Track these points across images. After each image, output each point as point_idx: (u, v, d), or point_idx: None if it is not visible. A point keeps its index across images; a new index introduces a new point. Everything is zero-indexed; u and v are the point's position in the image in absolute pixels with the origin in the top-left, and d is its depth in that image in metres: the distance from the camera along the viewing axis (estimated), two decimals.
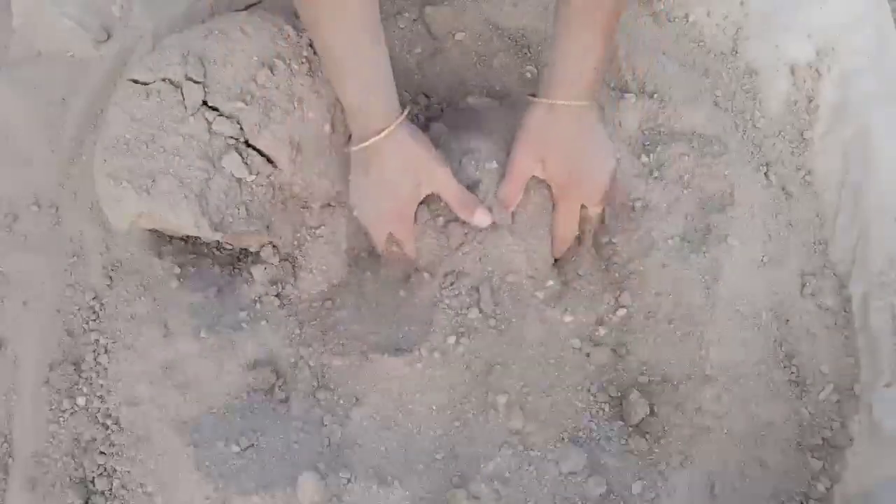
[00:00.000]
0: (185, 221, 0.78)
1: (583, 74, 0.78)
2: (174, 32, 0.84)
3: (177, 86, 0.80)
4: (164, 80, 0.80)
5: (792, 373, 0.84)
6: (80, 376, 0.82)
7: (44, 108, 0.91)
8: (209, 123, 0.79)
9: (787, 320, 0.85)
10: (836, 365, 0.84)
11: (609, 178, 0.84)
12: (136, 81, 0.81)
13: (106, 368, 0.82)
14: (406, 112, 0.80)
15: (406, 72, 0.97)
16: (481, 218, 0.81)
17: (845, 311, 0.86)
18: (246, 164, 0.80)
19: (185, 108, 0.79)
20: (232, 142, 0.80)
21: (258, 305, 0.85)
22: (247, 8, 0.94)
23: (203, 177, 0.78)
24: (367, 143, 0.78)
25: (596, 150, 0.83)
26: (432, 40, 0.99)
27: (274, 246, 0.87)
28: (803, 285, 0.87)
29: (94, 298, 0.85)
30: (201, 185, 0.78)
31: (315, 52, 0.84)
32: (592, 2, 0.74)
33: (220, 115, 0.80)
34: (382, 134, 0.78)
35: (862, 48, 0.92)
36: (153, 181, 0.78)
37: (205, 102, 0.80)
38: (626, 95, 0.92)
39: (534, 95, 0.81)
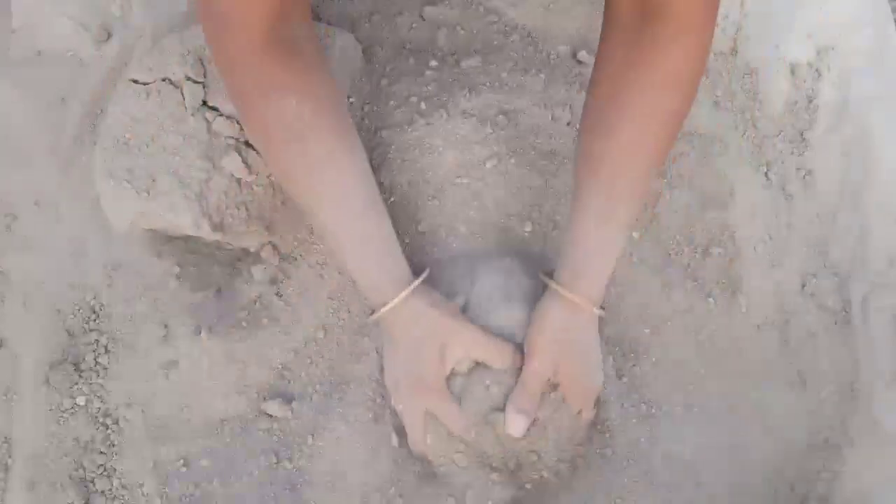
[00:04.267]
0: (184, 221, 0.78)
1: (603, 272, 0.73)
2: (174, 32, 0.84)
3: (177, 86, 0.80)
4: (164, 80, 0.80)
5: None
6: (79, 376, 0.82)
7: (44, 107, 0.91)
8: (209, 123, 0.80)
9: (788, 320, 0.85)
10: (836, 364, 0.84)
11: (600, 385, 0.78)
12: (136, 81, 0.81)
13: (106, 368, 0.82)
14: (420, 279, 0.73)
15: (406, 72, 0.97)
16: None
17: (845, 310, 0.86)
18: (246, 164, 0.80)
19: (185, 108, 0.79)
20: (232, 142, 0.80)
21: (258, 305, 0.85)
22: None
23: (203, 177, 0.79)
24: (379, 315, 0.73)
25: (596, 356, 0.77)
26: (432, 40, 0.99)
27: (274, 246, 0.87)
28: (803, 285, 0.87)
29: (93, 298, 0.85)
30: (201, 185, 0.78)
31: None
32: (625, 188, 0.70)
33: (220, 115, 0.80)
34: (392, 303, 0.72)
35: (862, 48, 0.92)
36: (153, 181, 0.78)
37: (204, 102, 0.80)
38: None
39: (548, 274, 0.75)
